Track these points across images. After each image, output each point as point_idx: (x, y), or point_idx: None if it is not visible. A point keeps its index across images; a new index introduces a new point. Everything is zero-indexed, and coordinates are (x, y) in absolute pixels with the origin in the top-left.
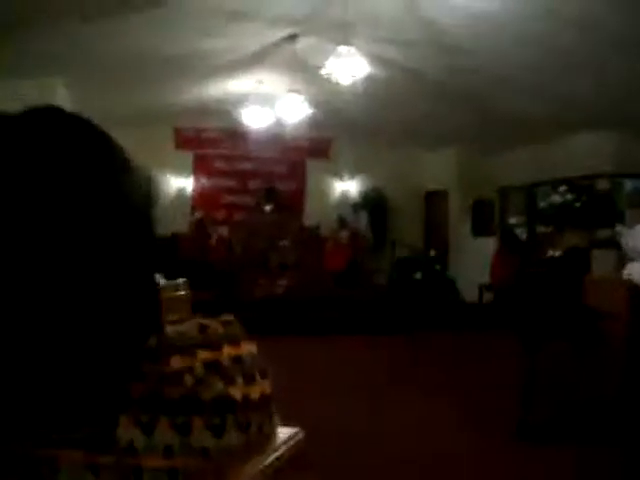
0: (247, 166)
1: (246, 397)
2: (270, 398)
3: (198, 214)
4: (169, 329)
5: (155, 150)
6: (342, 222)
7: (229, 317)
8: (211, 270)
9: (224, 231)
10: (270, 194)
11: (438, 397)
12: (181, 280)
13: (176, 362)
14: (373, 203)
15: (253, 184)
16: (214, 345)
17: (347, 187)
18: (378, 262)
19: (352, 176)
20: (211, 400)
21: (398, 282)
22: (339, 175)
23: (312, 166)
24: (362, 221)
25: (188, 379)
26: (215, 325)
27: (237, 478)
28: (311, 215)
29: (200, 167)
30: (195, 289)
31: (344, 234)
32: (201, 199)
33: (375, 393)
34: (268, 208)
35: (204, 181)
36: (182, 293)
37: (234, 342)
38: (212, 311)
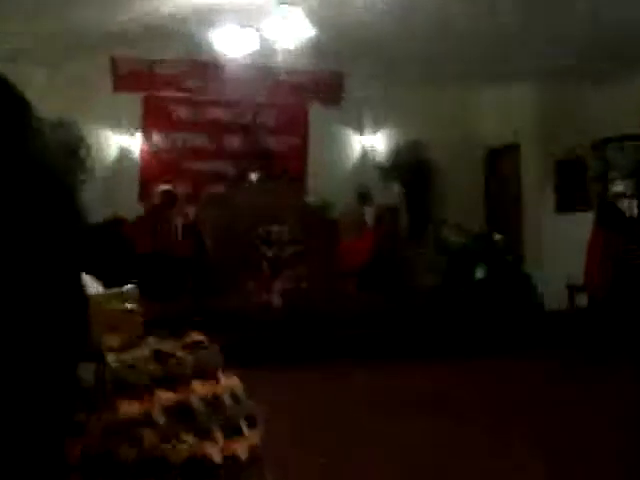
0: (222, 115)
1: (229, 457)
2: (261, 456)
3: (164, 186)
4: (112, 358)
5: (83, 93)
6: (364, 197)
7: (198, 336)
8: (177, 271)
9: (189, 212)
10: (257, 157)
11: (525, 454)
12: (129, 287)
13: (127, 407)
14: (410, 167)
15: (231, 142)
16: (179, 381)
17: (371, 144)
18: (419, 254)
19: (378, 128)
20: (182, 463)
21: (451, 282)
22: (358, 127)
23: (318, 114)
24: (394, 194)
25: (148, 435)
26: (179, 351)
27: None
28: (318, 187)
29: (152, 118)
30: (154, 299)
31: (367, 214)
32: (155, 166)
33: (433, 451)
34: (254, 178)
35: (158, 139)
36: (131, 306)
37: (208, 375)
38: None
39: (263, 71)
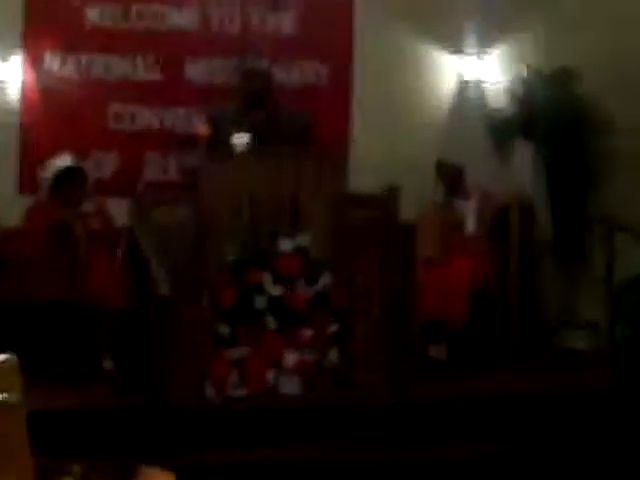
0: (182, 21)
1: None
2: None
3: (63, 157)
4: None
5: None
6: (455, 178)
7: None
8: (95, 330)
9: (120, 215)
10: (252, 101)
11: None
12: (2, 357)
13: None
14: (552, 119)
15: (201, 73)
16: None
17: (474, 74)
18: (571, 286)
19: (488, 42)
20: None
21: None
22: (450, 39)
23: (372, 12)
24: (519, 173)
25: None
26: None
27: None
28: (373, 160)
29: (43, 24)
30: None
31: (467, 209)
32: (48, 119)
33: None
34: (246, 143)
35: (55, 65)
36: (5, 396)
37: None
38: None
39: None
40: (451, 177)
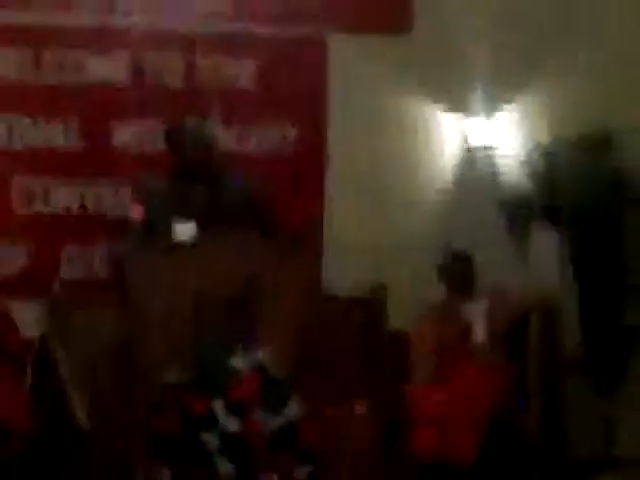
0: (107, 73)
1: None
2: None
3: None
4: None
5: None
6: (461, 273)
7: None
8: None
9: (29, 322)
10: (189, 178)
11: None
12: None
13: None
14: (582, 196)
15: (131, 139)
16: None
17: (480, 137)
18: (608, 413)
19: (498, 97)
20: None
21: None
22: (449, 95)
23: (351, 65)
24: (541, 263)
25: None
26: None
27: None
28: (351, 250)
29: None
30: None
31: (476, 314)
32: None
33: None
34: (190, 233)
35: None
36: None
37: None
38: None
39: None
40: (456, 272)
